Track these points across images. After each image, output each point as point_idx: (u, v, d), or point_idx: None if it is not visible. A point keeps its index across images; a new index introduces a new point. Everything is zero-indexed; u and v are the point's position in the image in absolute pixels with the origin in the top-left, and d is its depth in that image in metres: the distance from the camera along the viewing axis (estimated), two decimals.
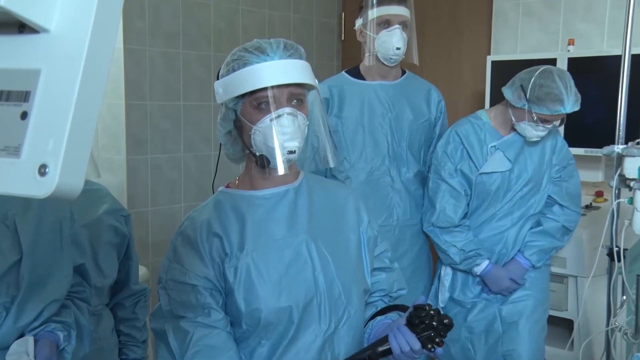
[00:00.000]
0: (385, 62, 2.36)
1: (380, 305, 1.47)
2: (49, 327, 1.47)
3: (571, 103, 2.09)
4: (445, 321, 1.23)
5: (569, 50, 2.90)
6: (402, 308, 1.41)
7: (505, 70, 2.99)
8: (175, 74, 3.10)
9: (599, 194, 2.97)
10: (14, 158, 0.55)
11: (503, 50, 3.29)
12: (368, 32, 2.35)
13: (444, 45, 3.54)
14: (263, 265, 1.31)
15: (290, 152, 1.28)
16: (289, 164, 1.31)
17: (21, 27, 0.58)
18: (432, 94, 2.50)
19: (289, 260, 1.33)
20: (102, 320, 1.84)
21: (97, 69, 0.55)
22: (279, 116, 1.28)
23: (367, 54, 2.39)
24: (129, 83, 2.91)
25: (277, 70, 1.27)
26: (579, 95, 2.12)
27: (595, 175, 2.95)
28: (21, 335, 1.44)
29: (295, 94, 1.30)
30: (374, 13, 2.32)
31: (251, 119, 1.31)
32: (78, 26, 0.55)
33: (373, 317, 1.43)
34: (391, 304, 1.48)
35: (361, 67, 2.46)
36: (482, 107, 3.03)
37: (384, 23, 2.32)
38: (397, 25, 2.30)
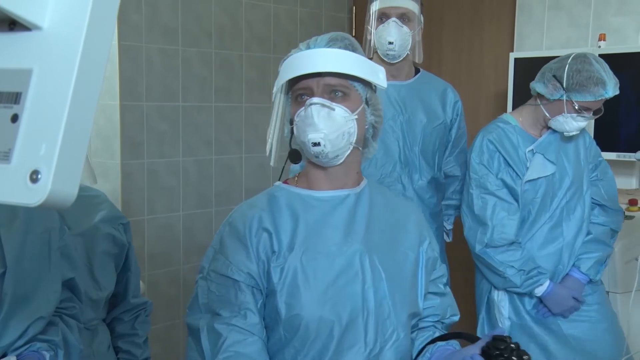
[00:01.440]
0: (384, 59, 2.37)
1: (433, 331, 1.47)
2: (34, 346, 1.47)
3: (612, 86, 2.10)
4: (524, 357, 1.22)
5: (599, 47, 2.89)
6: (465, 336, 1.39)
7: (530, 68, 2.97)
8: (174, 73, 3.11)
9: (633, 202, 2.95)
10: (4, 163, 0.56)
11: (527, 46, 3.28)
12: (369, 27, 2.36)
13: (463, 41, 3.54)
14: (311, 270, 1.32)
15: (315, 145, 1.30)
16: (322, 159, 1.33)
17: (12, 24, 0.59)
18: (447, 94, 2.50)
19: (339, 270, 1.34)
20: (97, 336, 1.84)
21: (92, 68, 0.56)
22: (308, 106, 1.30)
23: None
24: (124, 82, 2.93)
25: (307, 59, 1.31)
26: (617, 79, 2.12)
27: (629, 182, 2.93)
28: (4, 356, 1.44)
29: (332, 84, 1.32)
30: (375, 6, 2.34)
31: (293, 113, 1.36)
32: (72, 23, 0.56)
33: (432, 342, 1.43)
34: (446, 331, 1.47)
35: None
36: (504, 108, 3.02)
37: (382, 16, 2.33)
38: (393, 18, 2.30)
